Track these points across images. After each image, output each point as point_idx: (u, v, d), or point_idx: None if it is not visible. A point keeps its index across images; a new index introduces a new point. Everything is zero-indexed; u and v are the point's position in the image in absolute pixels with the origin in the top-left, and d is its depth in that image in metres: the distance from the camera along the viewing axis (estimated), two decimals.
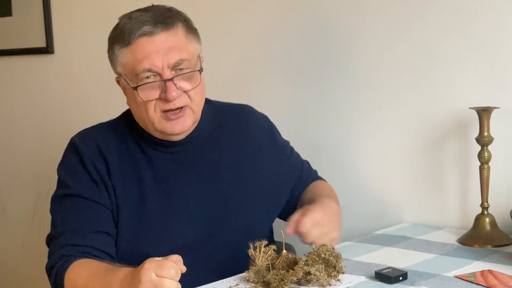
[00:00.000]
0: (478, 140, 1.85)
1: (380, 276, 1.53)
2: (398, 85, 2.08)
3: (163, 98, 1.63)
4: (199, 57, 1.70)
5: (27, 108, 3.06)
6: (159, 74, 1.63)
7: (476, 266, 1.63)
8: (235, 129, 1.82)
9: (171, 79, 1.62)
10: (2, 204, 3.20)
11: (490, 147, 1.84)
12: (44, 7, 2.87)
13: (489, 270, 1.58)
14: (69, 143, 1.77)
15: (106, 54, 2.86)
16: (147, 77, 1.63)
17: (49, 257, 1.65)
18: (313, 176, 1.96)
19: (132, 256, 1.64)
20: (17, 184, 3.13)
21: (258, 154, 1.82)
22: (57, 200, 1.72)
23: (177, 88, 1.63)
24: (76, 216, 1.66)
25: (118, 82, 1.73)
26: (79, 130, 2.84)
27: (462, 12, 1.94)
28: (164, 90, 1.63)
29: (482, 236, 1.83)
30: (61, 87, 2.92)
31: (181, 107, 1.66)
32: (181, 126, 1.67)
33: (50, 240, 1.69)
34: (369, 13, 2.11)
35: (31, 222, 3.06)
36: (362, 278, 1.55)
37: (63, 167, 1.75)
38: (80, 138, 1.76)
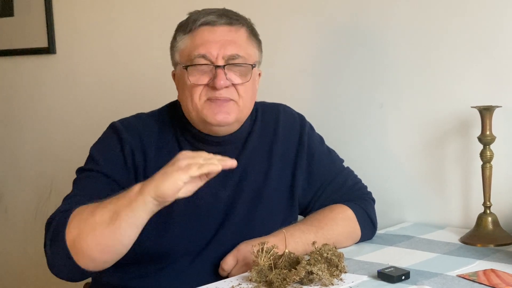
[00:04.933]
0: (480, 139, 1.85)
1: (383, 275, 1.52)
2: (400, 84, 2.08)
3: (211, 85, 1.63)
4: (257, 63, 1.72)
5: (29, 109, 3.06)
6: (212, 63, 1.64)
7: (478, 265, 1.62)
8: (265, 130, 1.81)
9: (222, 67, 1.63)
10: (5, 205, 3.21)
11: (492, 146, 1.84)
12: (46, 7, 2.87)
13: (491, 269, 1.58)
14: (110, 127, 1.74)
15: (108, 55, 2.87)
16: (201, 63, 1.63)
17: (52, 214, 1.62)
18: (346, 196, 1.85)
19: (155, 251, 1.66)
20: (19, 184, 3.14)
21: (285, 155, 1.81)
22: (81, 172, 1.70)
23: (227, 79, 1.63)
24: (95, 188, 1.64)
25: (173, 76, 1.74)
26: (81, 130, 2.86)
27: (464, 11, 1.94)
28: (214, 76, 1.63)
29: (485, 235, 1.83)
30: (63, 88, 2.93)
31: (228, 100, 1.65)
32: (224, 116, 1.66)
33: (62, 202, 1.66)
34: (370, 13, 2.11)
35: (33, 223, 3.06)
36: (365, 278, 1.55)
37: (98, 146, 1.73)
38: (122, 125, 1.74)
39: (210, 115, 1.65)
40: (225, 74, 1.63)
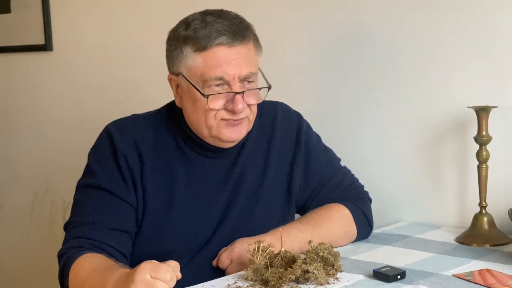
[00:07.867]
0: (476, 139, 1.85)
1: (378, 274, 1.53)
2: (397, 84, 2.08)
3: (229, 108, 1.64)
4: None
5: (25, 106, 3.06)
6: (228, 84, 1.63)
7: (474, 265, 1.63)
8: (263, 128, 1.81)
9: (241, 93, 1.63)
10: (0, 202, 3.20)
11: (488, 146, 1.84)
12: (42, 4, 2.87)
13: (487, 269, 1.58)
14: (104, 131, 1.74)
15: (105, 52, 2.86)
16: (217, 85, 1.63)
17: (63, 244, 1.65)
18: (343, 195, 1.86)
19: (152, 253, 1.65)
20: (15, 181, 3.13)
21: (282, 154, 1.81)
22: (82, 189, 1.71)
23: (244, 101, 1.64)
24: (97, 210, 1.66)
25: (170, 80, 1.72)
26: (77, 127, 2.86)
27: (460, 11, 1.95)
28: (232, 101, 1.63)
29: (480, 235, 1.83)
30: (59, 85, 2.92)
31: (243, 119, 1.68)
32: (238, 134, 1.69)
33: (67, 227, 1.68)
34: (367, 13, 2.11)
35: (29, 220, 3.06)
36: (360, 277, 1.55)
37: (94, 155, 1.73)
38: (116, 128, 1.73)
39: (226, 134, 1.67)
40: (243, 97, 1.64)
